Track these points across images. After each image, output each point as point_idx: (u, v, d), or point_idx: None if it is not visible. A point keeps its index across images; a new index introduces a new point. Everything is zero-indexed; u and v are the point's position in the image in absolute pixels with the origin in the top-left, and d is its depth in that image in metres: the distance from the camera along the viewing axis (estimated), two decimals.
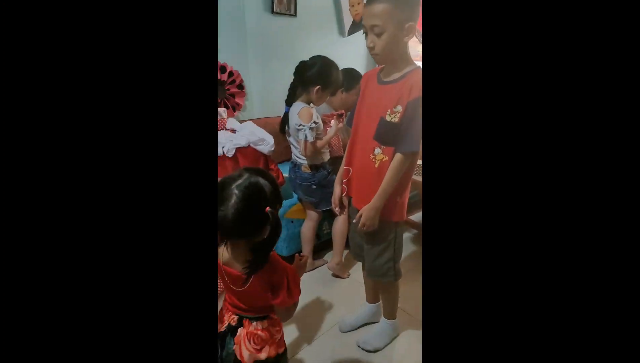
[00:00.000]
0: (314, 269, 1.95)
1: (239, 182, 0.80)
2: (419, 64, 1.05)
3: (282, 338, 0.98)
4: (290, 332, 1.51)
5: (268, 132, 1.73)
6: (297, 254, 1.04)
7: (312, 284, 1.81)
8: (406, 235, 2.17)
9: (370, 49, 1.08)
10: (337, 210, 1.35)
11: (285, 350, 1.00)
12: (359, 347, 1.45)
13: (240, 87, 2.16)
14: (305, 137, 1.59)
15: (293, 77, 1.72)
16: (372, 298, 1.54)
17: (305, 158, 1.70)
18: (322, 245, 2.03)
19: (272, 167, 1.74)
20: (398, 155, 1.13)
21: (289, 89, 1.73)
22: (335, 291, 1.80)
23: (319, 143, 1.66)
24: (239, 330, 0.93)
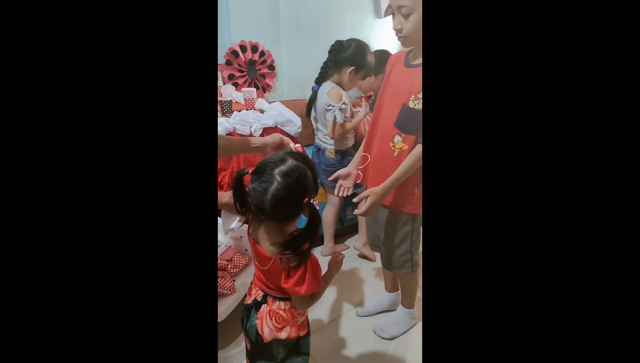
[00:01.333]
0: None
1: (282, 167, 0.78)
2: None
3: (305, 322, 0.99)
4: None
5: (296, 114, 1.73)
6: (334, 251, 1.03)
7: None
8: None
9: (397, 32, 1.03)
10: (340, 187, 1.28)
11: (308, 333, 1.01)
12: (374, 333, 1.45)
13: (271, 67, 2.16)
14: (335, 118, 1.57)
15: (327, 56, 1.69)
16: (390, 287, 1.53)
17: (330, 142, 1.69)
18: (345, 230, 2.03)
19: (298, 149, 1.74)
20: (419, 146, 1.08)
21: (321, 68, 1.70)
22: (355, 275, 1.80)
23: (348, 125, 1.63)
24: (263, 306, 0.95)
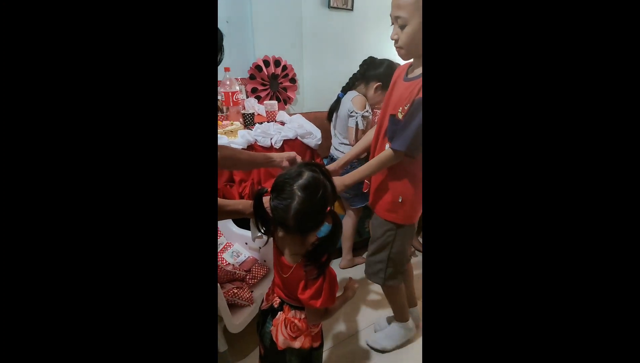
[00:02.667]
0: (353, 266, 1.94)
1: (300, 181, 0.78)
2: None
3: (319, 334, 0.99)
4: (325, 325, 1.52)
5: (317, 126, 1.75)
6: (350, 278, 1.02)
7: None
8: None
9: (395, 42, 1.04)
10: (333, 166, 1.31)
11: (321, 345, 1.01)
12: (367, 345, 1.44)
13: (293, 80, 2.20)
14: (357, 124, 1.61)
15: (358, 68, 1.76)
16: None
17: (345, 151, 1.71)
18: (364, 242, 2.02)
19: (317, 160, 1.76)
20: (387, 148, 1.11)
21: (350, 78, 1.78)
22: (374, 289, 1.78)
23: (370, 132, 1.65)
24: (279, 313, 0.96)
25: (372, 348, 1.44)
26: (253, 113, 1.75)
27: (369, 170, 1.15)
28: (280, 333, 0.94)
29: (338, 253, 2.00)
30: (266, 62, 2.07)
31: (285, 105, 2.20)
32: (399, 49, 1.04)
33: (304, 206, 0.77)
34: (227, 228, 1.50)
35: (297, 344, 0.94)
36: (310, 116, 1.93)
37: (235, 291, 1.28)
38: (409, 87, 1.07)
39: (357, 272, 1.91)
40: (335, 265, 1.99)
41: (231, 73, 1.91)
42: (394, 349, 1.43)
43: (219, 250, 1.46)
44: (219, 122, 1.61)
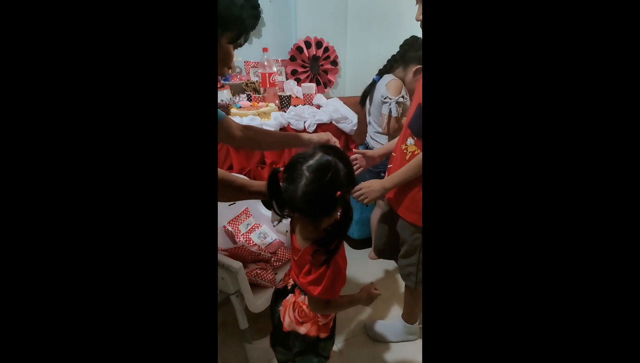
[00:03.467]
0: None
1: (310, 162, 0.75)
2: None
3: (328, 325, 0.96)
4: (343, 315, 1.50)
5: (355, 113, 1.69)
6: (372, 283, 0.98)
7: (376, 272, 1.76)
8: None
9: (420, 23, 0.97)
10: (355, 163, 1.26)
11: (329, 337, 0.98)
12: (365, 330, 1.44)
13: (334, 63, 2.14)
14: (390, 111, 1.50)
15: (398, 49, 1.62)
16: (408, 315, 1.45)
17: (380, 140, 1.62)
18: None
19: (352, 147, 1.70)
20: None
21: (388, 60, 1.63)
22: (400, 282, 1.72)
23: (404, 120, 1.56)
24: (290, 295, 0.95)
25: (367, 334, 1.43)
26: (290, 95, 1.73)
27: (405, 176, 1.08)
28: (288, 315, 0.93)
29: (368, 244, 1.95)
30: (307, 43, 2.03)
31: (325, 88, 2.15)
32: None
33: (311, 188, 0.74)
34: (256, 209, 1.52)
35: (302, 330, 0.92)
36: (350, 101, 1.87)
37: (259, 272, 1.29)
38: None
39: (387, 265, 1.85)
40: (364, 255, 1.95)
41: (271, 54, 1.90)
42: (388, 342, 1.41)
43: (247, 230, 1.48)
44: (254, 103, 1.61)
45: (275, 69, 1.70)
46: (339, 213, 0.82)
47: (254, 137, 1.07)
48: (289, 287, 0.97)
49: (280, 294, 0.99)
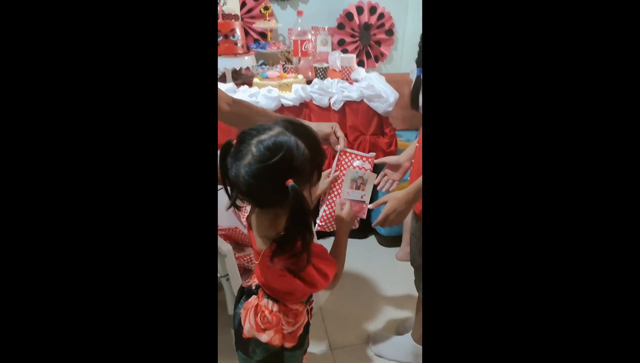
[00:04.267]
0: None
1: (263, 137, 0.63)
2: None
3: (295, 333, 0.84)
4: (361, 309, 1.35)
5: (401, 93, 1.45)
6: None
7: (403, 275, 1.55)
8: None
9: None
10: (384, 177, 1.06)
11: (297, 348, 0.85)
12: (369, 338, 1.30)
13: (389, 32, 1.87)
14: None
15: None
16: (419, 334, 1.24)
17: None
18: None
19: (387, 131, 1.47)
20: None
21: (420, 46, 1.37)
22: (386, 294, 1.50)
23: None
24: (253, 297, 0.84)
25: (371, 348, 1.28)
26: (326, 67, 1.55)
27: None
28: (248, 320, 0.82)
29: (397, 242, 1.72)
30: (359, 9, 1.80)
31: (377, 62, 1.91)
32: None
33: (254, 168, 0.61)
34: None
35: (264, 337, 0.81)
36: (404, 79, 1.61)
37: (252, 257, 1.21)
38: None
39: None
40: (391, 254, 1.73)
41: (317, 21, 1.72)
42: (391, 361, 1.24)
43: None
44: (283, 74, 1.47)
45: (309, 36, 1.52)
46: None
47: (243, 113, 0.94)
48: (253, 287, 0.85)
49: (243, 294, 0.88)
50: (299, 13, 1.54)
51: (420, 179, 0.87)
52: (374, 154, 0.94)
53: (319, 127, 0.91)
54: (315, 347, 1.27)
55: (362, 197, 0.95)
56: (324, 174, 0.95)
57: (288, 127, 0.65)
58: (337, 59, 1.64)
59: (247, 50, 1.68)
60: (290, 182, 0.61)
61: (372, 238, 1.74)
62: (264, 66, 1.66)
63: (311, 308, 0.93)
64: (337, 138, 0.90)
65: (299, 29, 1.52)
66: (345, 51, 1.83)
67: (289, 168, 0.62)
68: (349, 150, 0.91)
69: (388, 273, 1.60)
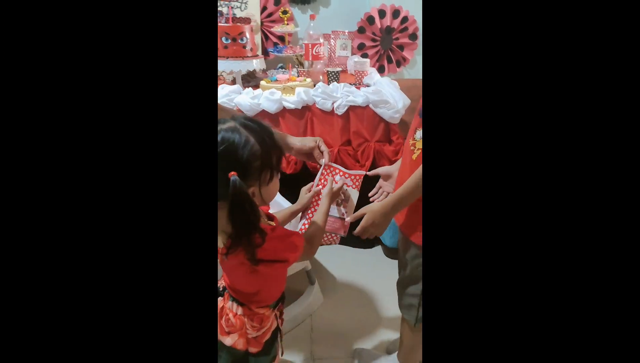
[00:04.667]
0: None
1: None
2: None
3: (260, 338, 0.82)
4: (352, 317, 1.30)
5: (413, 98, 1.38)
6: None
7: None
8: None
9: None
10: (379, 189, 1.03)
11: (263, 353, 0.84)
12: (354, 352, 1.24)
13: (413, 37, 1.80)
14: None
15: None
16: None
17: None
18: None
19: (394, 138, 1.41)
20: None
21: None
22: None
23: None
24: (219, 298, 0.84)
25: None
26: (339, 71, 1.53)
27: (412, 188, 0.79)
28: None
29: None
30: (382, 12, 1.75)
31: (399, 67, 1.84)
32: None
33: None
34: None
35: (228, 341, 0.80)
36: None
37: None
38: None
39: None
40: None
41: (339, 25, 1.70)
42: None
43: None
44: (292, 77, 1.47)
45: (321, 40, 1.51)
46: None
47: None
48: (220, 288, 0.85)
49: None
50: (312, 17, 1.53)
51: (399, 190, 0.82)
52: (363, 172, 0.91)
53: (303, 141, 0.90)
54: (296, 356, 1.24)
55: (343, 215, 0.92)
56: (305, 188, 0.94)
57: (244, 124, 0.66)
58: (356, 63, 1.61)
59: (266, 54, 1.71)
60: (233, 175, 0.62)
61: (377, 249, 1.67)
62: (281, 69, 1.68)
63: (281, 313, 0.91)
64: (322, 152, 0.88)
65: (311, 32, 1.51)
66: (365, 55, 1.79)
67: (232, 161, 0.62)
68: (333, 164, 0.89)
69: (390, 286, 1.52)
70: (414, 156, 0.83)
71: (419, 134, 0.82)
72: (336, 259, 1.63)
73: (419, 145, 0.82)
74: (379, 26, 1.76)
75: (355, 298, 1.46)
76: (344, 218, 0.90)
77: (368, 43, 1.79)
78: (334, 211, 0.90)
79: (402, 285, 0.98)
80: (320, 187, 0.88)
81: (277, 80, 1.46)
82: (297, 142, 0.89)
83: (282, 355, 0.89)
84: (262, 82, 1.44)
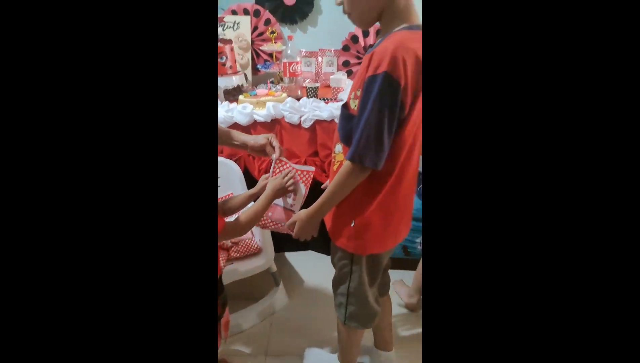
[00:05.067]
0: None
1: None
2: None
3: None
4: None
5: None
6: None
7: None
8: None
9: (343, 7, 0.83)
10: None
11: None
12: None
13: None
14: None
15: None
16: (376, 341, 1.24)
17: None
18: (409, 262, 1.61)
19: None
20: (346, 162, 0.82)
21: None
22: None
23: None
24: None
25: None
26: (317, 87, 1.63)
27: (332, 195, 0.86)
28: None
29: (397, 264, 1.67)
30: (365, 32, 1.84)
31: None
32: (349, 15, 0.86)
33: None
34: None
35: None
36: None
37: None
38: (364, 61, 0.81)
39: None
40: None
41: (326, 43, 1.82)
42: None
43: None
44: (271, 92, 1.59)
45: (298, 58, 1.62)
46: None
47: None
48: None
49: None
50: (289, 38, 1.66)
51: (320, 198, 0.90)
52: (312, 168, 1.01)
53: (255, 139, 1.01)
54: (250, 351, 1.33)
55: (291, 206, 1.02)
56: (263, 176, 1.05)
57: None
58: (341, 79, 1.71)
59: (256, 70, 1.86)
60: None
61: None
62: (272, 84, 1.81)
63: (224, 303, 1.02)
64: (273, 147, 0.99)
65: (289, 52, 1.63)
66: (350, 72, 1.88)
67: None
68: (284, 159, 0.99)
69: None
70: (335, 167, 0.92)
71: (338, 147, 0.91)
72: (307, 264, 1.72)
73: (339, 157, 0.90)
74: (362, 44, 1.85)
75: (319, 301, 1.53)
76: (291, 209, 1.00)
77: (352, 60, 1.88)
78: (280, 201, 1.01)
79: (334, 286, 1.05)
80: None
81: (256, 94, 1.59)
82: (251, 139, 1.00)
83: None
84: (240, 97, 1.57)
